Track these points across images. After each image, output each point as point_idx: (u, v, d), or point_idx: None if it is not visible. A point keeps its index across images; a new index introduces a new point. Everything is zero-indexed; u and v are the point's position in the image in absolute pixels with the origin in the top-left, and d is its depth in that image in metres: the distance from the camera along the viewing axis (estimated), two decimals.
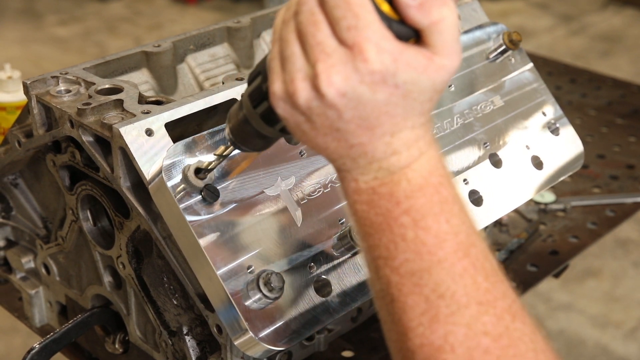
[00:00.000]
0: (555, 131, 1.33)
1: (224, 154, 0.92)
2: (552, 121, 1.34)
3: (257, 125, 0.83)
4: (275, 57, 0.76)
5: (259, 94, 0.81)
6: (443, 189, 0.76)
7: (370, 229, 0.76)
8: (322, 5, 0.72)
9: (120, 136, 0.98)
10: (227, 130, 0.87)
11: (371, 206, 0.76)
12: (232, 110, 0.86)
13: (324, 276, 1.01)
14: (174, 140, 1.00)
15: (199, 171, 0.95)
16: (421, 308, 0.74)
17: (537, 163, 1.29)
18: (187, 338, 1.10)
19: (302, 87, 0.73)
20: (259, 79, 0.81)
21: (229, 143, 0.88)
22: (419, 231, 0.74)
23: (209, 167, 0.94)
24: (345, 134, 0.74)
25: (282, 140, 1.05)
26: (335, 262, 1.03)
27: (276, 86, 0.75)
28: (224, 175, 0.99)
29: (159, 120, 1.02)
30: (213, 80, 1.28)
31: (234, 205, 0.98)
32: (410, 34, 0.73)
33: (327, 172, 1.07)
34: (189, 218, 0.95)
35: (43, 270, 1.29)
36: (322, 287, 1.01)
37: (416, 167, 0.75)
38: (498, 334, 0.74)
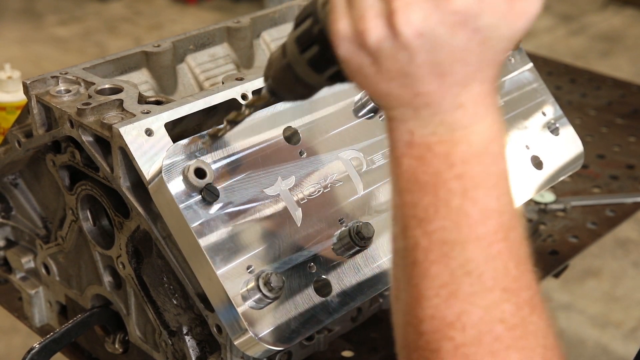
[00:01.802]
0: (555, 131, 1.33)
1: (236, 119, 0.89)
2: (552, 121, 1.34)
3: (302, 72, 0.77)
4: None
5: (308, 37, 0.75)
6: (500, 161, 0.71)
7: (412, 186, 0.71)
8: None
9: (120, 136, 0.98)
10: (267, 80, 0.81)
11: (421, 163, 0.70)
12: (272, 57, 0.80)
13: (323, 276, 1.01)
14: (174, 140, 1.00)
15: (199, 171, 0.95)
16: (443, 280, 0.70)
17: (537, 163, 1.29)
18: (187, 338, 1.10)
19: (375, 25, 0.67)
20: (309, 21, 0.75)
21: (267, 92, 0.82)
22: (465, 201, 0.69)
23: (219, 134, 0.92)
24: (413, 80, 0.68)
25: (282, 140, 1.05)
26: (335, 262, 1.03)
27: (341, 24, 0.69)
28: (224, 175, 0.99)
29: (159, 120, 1.02)
30: (213, 80, 1.28)
31: (234, 205, 0.98)
32: None
33: (327, 172, 1.07)
34: (189, 218, 0.95)
35: (43, 270, 1.29)
36: (322, 287, 1.01)
37: (479, 130, 0.70)
38: (514, 324, 0.71)
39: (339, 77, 0.77)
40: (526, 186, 1.26)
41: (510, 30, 0.68)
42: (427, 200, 0.70)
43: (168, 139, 1.01)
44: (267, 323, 0.95)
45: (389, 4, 0.66)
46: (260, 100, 0.86)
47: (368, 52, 0.69)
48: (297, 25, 0.77)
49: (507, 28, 0.67)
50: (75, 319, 1.19)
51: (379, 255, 1.07)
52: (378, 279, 1.06)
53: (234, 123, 0.92)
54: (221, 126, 0.94)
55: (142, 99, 1.08)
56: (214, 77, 1.28)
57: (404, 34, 0.66)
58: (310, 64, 0.77)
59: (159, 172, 0.96)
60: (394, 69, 0.69)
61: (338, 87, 1.14)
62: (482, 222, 0.70)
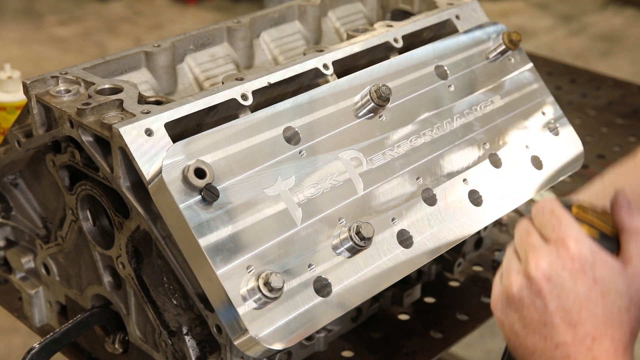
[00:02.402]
0: (555, 131, 1.33)
1: None
2: (552, 121, 1.34)
3: None
4: (497, 276, 0.91)
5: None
6: None
7: None
8: (533, 219, 0.89)
9: (120, 136, 0.98)
10: None
11: None
12: None
13: (324, 276, 1.01)
14: (174, 140, 1.00)
15: (199, 171, 0.95)
16: None
17: (537, 163, 1.29)
18: (187, 338, 1.10)
19: (515, 279, 0.85)
20: None
21: None
22: None
23: None
24: (551, 330, 0.82)
25: (282, 140, 1.05)
26: (335, 262, 1.03)
27: (495, 290, 0.89)
28: (224, 175, 0.99)
29: (159, 120, 1.02)
30: (213, 80, 1.28)
31: (234, 205, 0.98)
32: (612, 247, 0.84)
33: (327, 172, 1.07)
34: (189, 218, 0.95)
35: (43, 270, 1.29)
36: (322, 287, 1.01)
37: None
38: None
39: None
40: (526, 186, 1.26)
41: (626, 288, 0.81)
42: None
43: (168, 139, 1.01)
44: (267, 323, 0.95)
45: (525, 260, 0.85)
46: None
47: (513, 305, 0.86)
48: None
49: (623, 285, 0.82)
50: (75, 319, 1.19)
51: (379, 255, 1.07)
52: (378, 279, 1.06)
53: None
54: None
55: (142, 99, 1.08)
56: (214, 77, 1.28)
57: (535, 278, 0.83)
58: None
59: (159, 172, 0.96)
60: (535, 320, 0.84)
61: (338, 87, 1.14)
62: None
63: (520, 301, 0.85)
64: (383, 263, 1.07)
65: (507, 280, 0.87)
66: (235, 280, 0.95)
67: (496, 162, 1.25)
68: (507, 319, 0.87)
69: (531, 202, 1.65)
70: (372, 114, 1.14)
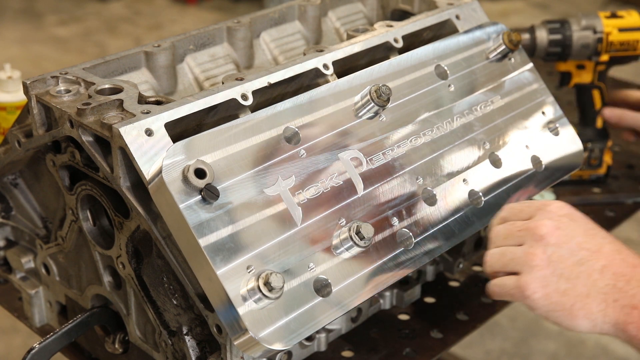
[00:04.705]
0: (554, 131, 1.33)
1: None
2: (552, 121, 1.34)
3: None
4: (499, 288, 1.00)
5: None
6: None
7: None
8: (505, 220, 1.05)
9: (120, 136, 0.98)
10: None
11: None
12: None
13: (324, 276, 1.01)
14: (174, 140, 1.00)
15: (199, 171, 0.95)
16: None
17: (537, 163, 1.29)
18: (187, 338, 1.10)
19: (534, 254, 0.93)
20: None
21: None
22: None
23: None
24: (587, 264, 0.90)
25: (282, 140, 1.05)
26: (335, 262, 1.03)
27: (522, 282, 0.95)
28: (224, 175, 0.99)
29: (159, 120, 1.02)
30: (213, 80, 1.28)
31: (234, 205, 0.98)
32: None
33: (327, 172, 1.07)
34: (189, 218, 0.95)
35: (43, 270, 1.29)
36: (322, 287, 1.01)
37: None
38: None
39: None
40: (526, 186, 1.26)
41: None
42: None
43: (168, 139, 1.01)
44: (267, 323, 0.95)
45: (525, 236, 0.96)
46: None
47: (552, 270, 0.92)
48: None
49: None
50: (75, 319, 1.19)
51: (379, 255, 1.07)
52: (378, 279, 1.06)
53: None
54: None
55: (142, 99, 1.08)
56: (214, 77, 1.28)
57: (549, 234, 0.93)
58: None
59: (159, 172, 0.96)
60: (570, 266, 0.91)
61: (338, 87, 1.14)
62: None
63: (551, 263, 0.90)
64: (383, 263, 1.07)
65: (527, 261, 0.90)
66: (235, 280, 0.95)
67: (496, 162, 1.25)
68: (552, 292, 0.90)
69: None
70: (372, 114, 1.14)
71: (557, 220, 0.93)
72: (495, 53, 1.33)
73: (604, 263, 0.91)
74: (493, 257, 0.98)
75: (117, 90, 1.09)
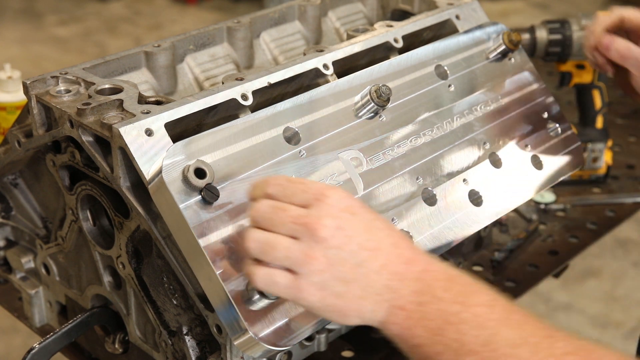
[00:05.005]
0: (554, 131, 1.33)
1: None
2: (552, 121, 1.34)
3: None
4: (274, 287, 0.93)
5: None
6: (464, 276, 0.88)
7: (430, 340, 0.84)
8: (272, 197, 0.91)
9: (120, 136, 0.98)
10: None
11: (425, 319, 0.85)
12: None
13: None
14: (174, 140, 1.00)
15: (199, 171, 0.95)
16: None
17: (537, 163, 1.29)
18: (187, 338, 1.10)
19: (313, 253, 0.86)
20: None
21: None
22: (470, 309, 0.84)
23: None
24: (366, 264, 0.86)
25: (281, 140, 1.05)
26: None
27: (300, 288, 0.89)
28: (224, 175, 0.99)
29: (159, 120, 1.02)
30: (213, 80, 1.28)
31: (234, 205, 0.98)
32: None
33: (327, 172, 1.07)
34: (189, 218, 0.95)
35: (43, 270, 1.29)
36: None
37: (433, 268, 0.88)
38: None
39: None
40: (526, 186, 1.26)
41: None
42: (449, 335, 0.84)
43: (168, 139, 1.01)
44: (267, 323, 0.95)
45: (305, 231, 0.86)
46: None
47: (330, 274, 0.87)
48: None
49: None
50: (75, 319, 1.19)
51: None
52: None
53: None
54: None
55: (142, 99, 1.08)
56: (214, 77, 1.28)
57: (330, 236, 0.86)
58: None
59: (159, 172, 0.96)
60: (349, 268, 0.87)
61: (338, 87, 1.14)
62: (491, 311, 0.85)
63: (331, 267, 0.85)
64: None
65: (307, 263, 0.85)
66: (235, 280, 0.95)
67: (496, 162, 1.24)
68: (327, 295, 0.87)
69: (531, 202, 1.66)
70: (372, 114, 1.14)
71: (338, 219, 0.86)
72: (495, 53, 1.33)
73: (382, 262, 0.87)
74: (257, 243, 0.88)
75: (117, 90, 1.09)
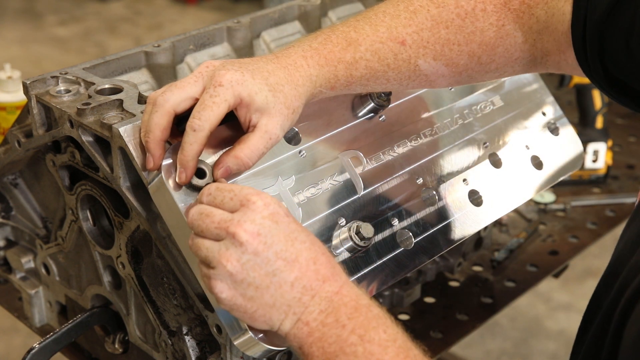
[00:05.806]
0: (555, 131, 1.33)
1: None
2: (552, 121, 1.34)
3: None
4: (200, 279, 0.96)
5: None
6: (373, 307, 0.89)
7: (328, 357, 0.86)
8: (204, 203, 0.92)
9: (120, 136, 0.98)
10: None
11: (324, 340, 0.87)
12: None
13: None
14: None
15: (199, 171, 0.95)
16: None
17: (537, 163, 1.29)
18: (187, 338, 1.10)
19: (229, 256, 0.88)
20: None
21: None
22: (365, 344, 0.85)
23: None
24: (280, 275, 0.87)
25: (282, 140, 1.05)
26: None
27: (214, 285, 0.90)
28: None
29: None
30: None
31: None
32: None
33: (327, 172, 1.07)
34: None
35: (43, 270, 1.29)
36: None
37: (345, 292, 0.88)
38: None
39: None
40: (526, 186, 1.26)
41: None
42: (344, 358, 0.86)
43: None
44: None
45: (227, 233, 0.88)
46: None
47: (240, 278, 0.89)
48: None
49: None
50: (75, 319, 1.19)
51: (379, 255, 1.07)
52: (378, 279, 1.06)
53: None
54: None
55: (142, 99, 1.08)
56: None
57: (248, 241, 0.88)
58: None
59: (159, 172, 0.96)
60: (263, 276, 0.88)
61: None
62: (384, 352, 0.85)
63: (243, 271, 0.87)
64: (383, 263, 1.07)
65: (220, 263, 0.87)
66: None
67: (496, 162, 1.25)
68: (238, 295, 0.88)
69: (531, 202, 1.66)
70: (372, 114, 1.14)
71: (259, 225, 0.87)
72: None
73: (296, 275, 0.88)
74: (194, 247, 0.92)
75: (117, 90, 1.09)
